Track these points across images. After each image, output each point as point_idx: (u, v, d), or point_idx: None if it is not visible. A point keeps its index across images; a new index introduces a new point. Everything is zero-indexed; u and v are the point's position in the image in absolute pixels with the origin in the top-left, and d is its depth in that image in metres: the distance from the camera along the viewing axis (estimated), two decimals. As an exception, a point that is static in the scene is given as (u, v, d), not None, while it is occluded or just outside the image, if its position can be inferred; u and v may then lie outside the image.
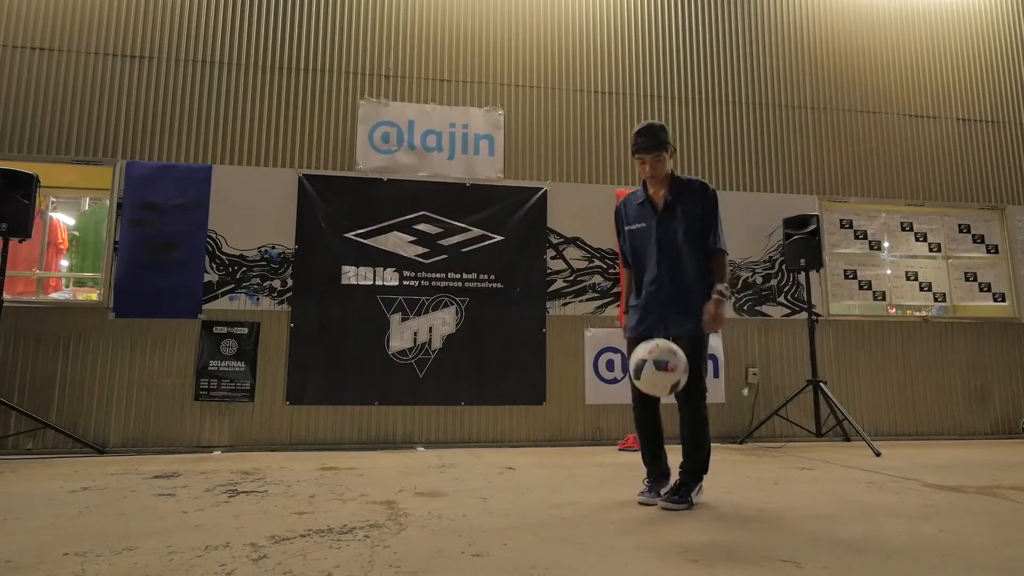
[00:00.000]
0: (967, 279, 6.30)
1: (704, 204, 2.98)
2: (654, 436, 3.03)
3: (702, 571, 1.91)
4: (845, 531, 2.38)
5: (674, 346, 2.70)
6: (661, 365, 2.63)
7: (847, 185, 6.23)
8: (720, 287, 2.90)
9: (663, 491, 2.89)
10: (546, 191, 5.66)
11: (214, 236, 5.16)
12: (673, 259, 2.95)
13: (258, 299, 5.16)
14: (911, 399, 5.94)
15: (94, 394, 4.87)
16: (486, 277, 5.45)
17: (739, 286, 5.84)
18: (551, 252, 5.59)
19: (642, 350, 2.71)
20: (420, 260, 5.39)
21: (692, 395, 2.86)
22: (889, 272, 6.21)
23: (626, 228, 3.13)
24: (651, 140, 2.96)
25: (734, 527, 2.45)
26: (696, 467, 2.89)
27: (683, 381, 2.70)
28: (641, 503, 2.87)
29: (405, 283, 5.34)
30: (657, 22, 6.16)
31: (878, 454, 4.58)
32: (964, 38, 6.71)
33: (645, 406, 3.00)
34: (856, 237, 6.20)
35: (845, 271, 6.10)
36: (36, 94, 5.16)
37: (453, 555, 2.06)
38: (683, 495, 2.81)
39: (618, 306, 5.60)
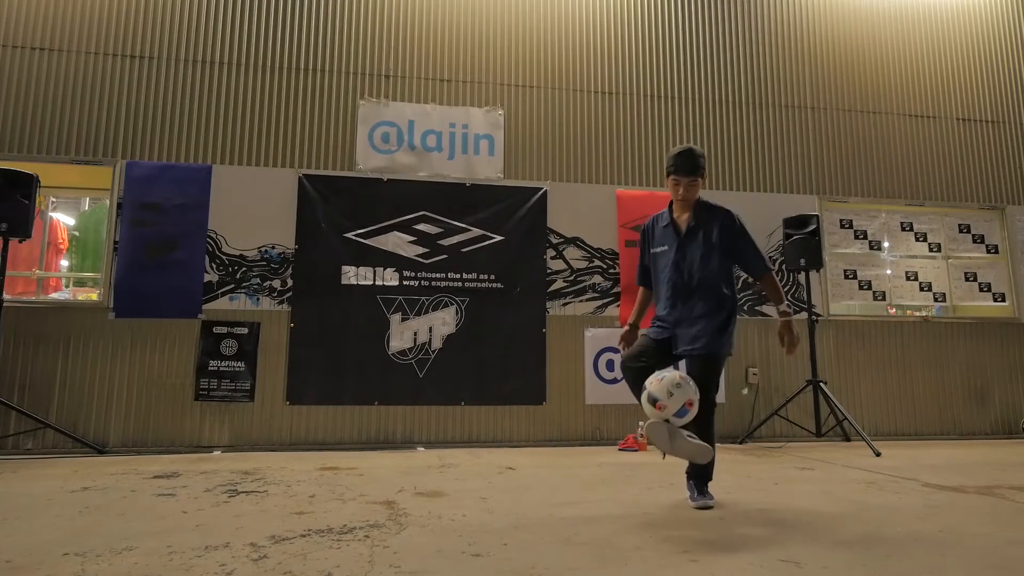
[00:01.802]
0: (967, 279, 6.30)
1: (728, 232, 3.00)
2: None
3: (702, 571, 1.91)
4: (845, 531, 2.38)
5: (674, 386, 2.63)
6: (652, 400, 2.64)
7: (847, 185, 6.23)
8: (782, 307, 2.98)
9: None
10: (546, 191, 5.66)
11: (214, 236, 5.16)
12: (689, 283, 2.97)
13: (258, 299, 5.16)
14: (911, 399, 5.94)
15: (94, 394, 4.87)
16: (486, 277, 5.45)
17: (739, 286, 5.83)
18: (551, 252, 5.59)
19: (652, 378, 2.72)
20: (420, 260, 5.39)
21: (701, 412, 2.82)
22: (889, 272, 6.21)
23: (651, 250, 3.17)
24: (691, 164, 2.97)
25: (734, 527, 2.45)
26: (709, 469, 2.94)
27: (675, 416, 2.65)
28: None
29: (405, 283, 5.34)
30: (657, 22, 6.16)
31: (878, 454, 4.58)
32: (964, 38, 6.71)
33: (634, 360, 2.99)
34: (856, 237, 6.20)
35: (845, 271, 6.10)
36: (36, 94, 5.16)
37: (453, 555, 2.06)
38: (709, 493, 2.90)
39: (618, 306, 5.61)
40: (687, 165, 2.97)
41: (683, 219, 3.05)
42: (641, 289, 3.28)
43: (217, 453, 4.70)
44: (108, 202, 5.15)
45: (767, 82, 6.26)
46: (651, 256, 3.16)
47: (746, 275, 3.11)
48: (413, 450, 4.92)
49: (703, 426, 2.84)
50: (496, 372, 5.35)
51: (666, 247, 3.07)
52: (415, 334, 5.31)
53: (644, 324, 3.19)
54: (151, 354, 4.97)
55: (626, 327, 3.21)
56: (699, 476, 2.92)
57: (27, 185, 4.46)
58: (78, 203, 5.96)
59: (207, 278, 5.11)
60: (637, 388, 2.85)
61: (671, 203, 3.12)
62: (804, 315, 5.59)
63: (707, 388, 2.86)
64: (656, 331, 3.03)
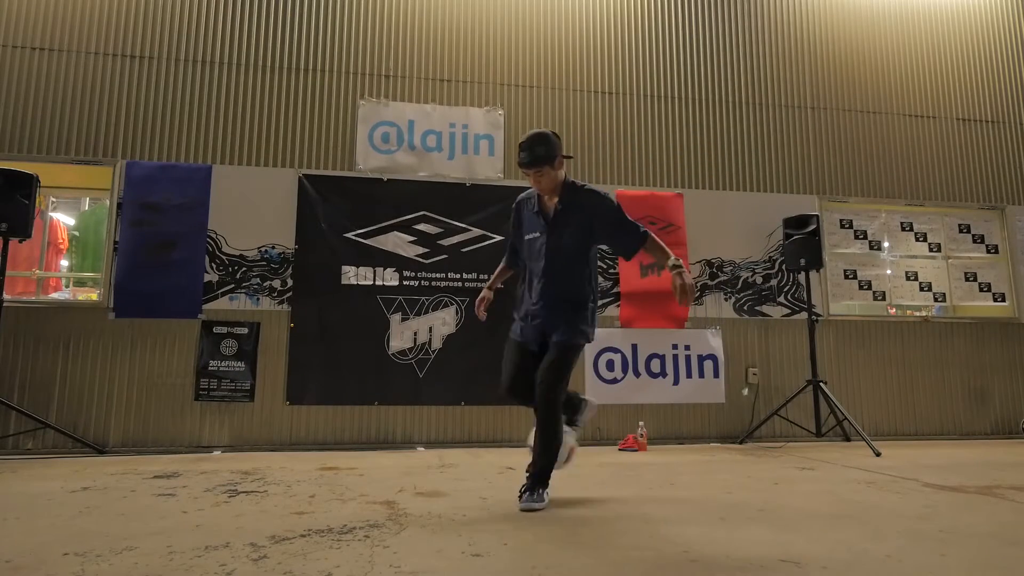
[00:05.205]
0: (967, 279, 6.30)
1: (599, 219, 2.88)
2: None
3: (702, 571, 1.91)
4: (845, 531, 2.38)
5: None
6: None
7: (847, 185, 6.23)
8: (671, 262, 2.74)
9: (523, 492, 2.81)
10: (546, 191, 5.65)
11: (214, 236, 5.16)
12: (559, 271, 2.88)
13: (258, 299, 5.15)
14: (911, 399, 5.94)
15: (94, 394, 4.87)
16: (486, 277, 5.44)
17: (739, 286, 5.84)
18: (551, 252, 5.59)
19: None
20: (420, 260, 5.39)
21: (547, 397, 2.77)
22: (889, 272, 6.21)
23: (524, 236, 3.03)
24: (529, 156, 2.80)
25: (734, 527, 2.45)
26: (545, 470, 2.83)
27: None
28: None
29: (405, 283, 5.34)
30: (657, 22, 6.16)
31: (878, 454, 4.58)
32: (964, 38, 6.71)
33: (514, 390, 2.96)
34: (856, 237, 6.20)
35: (845, 271, 6.10)
36: (36, 94, 5.16)
37: (453, 555, 2.06)
38: (539, 495, 2.75)
39: (618, 306, 5.60)
40: (526, 158, 2.80)
41: (551, 204, 2.91)
42: (503, 266, 3.22)
43: (217, 453, 4.70)
44: (108, 202, 5.16)
45: (767, 82, 6.26)
46: (523, 242, 3.03)
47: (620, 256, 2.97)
48: (413, 450, 4.92)
49: (547, 417, 2.77)
50: (496, 372, 5.28)
51: (537, 234, 2.93)
52: (415, 334, 5.31)
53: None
54: (151, 354, 4.97)
55: (488, 292, 3.16)
56: (543, 476, 2.81)
57: (27, 185, 4.46)
58: (78, 203, 5.96)
59: (207, 278, 5.11)
60: (528, 399, 2.87)
61: None
62: (804, 315, 5.59)
63: (558, 378, 2.78)
64: (521, 329, 2.97)
